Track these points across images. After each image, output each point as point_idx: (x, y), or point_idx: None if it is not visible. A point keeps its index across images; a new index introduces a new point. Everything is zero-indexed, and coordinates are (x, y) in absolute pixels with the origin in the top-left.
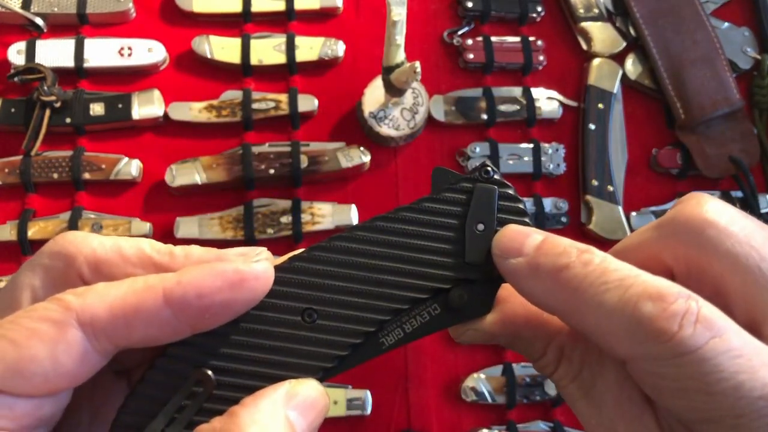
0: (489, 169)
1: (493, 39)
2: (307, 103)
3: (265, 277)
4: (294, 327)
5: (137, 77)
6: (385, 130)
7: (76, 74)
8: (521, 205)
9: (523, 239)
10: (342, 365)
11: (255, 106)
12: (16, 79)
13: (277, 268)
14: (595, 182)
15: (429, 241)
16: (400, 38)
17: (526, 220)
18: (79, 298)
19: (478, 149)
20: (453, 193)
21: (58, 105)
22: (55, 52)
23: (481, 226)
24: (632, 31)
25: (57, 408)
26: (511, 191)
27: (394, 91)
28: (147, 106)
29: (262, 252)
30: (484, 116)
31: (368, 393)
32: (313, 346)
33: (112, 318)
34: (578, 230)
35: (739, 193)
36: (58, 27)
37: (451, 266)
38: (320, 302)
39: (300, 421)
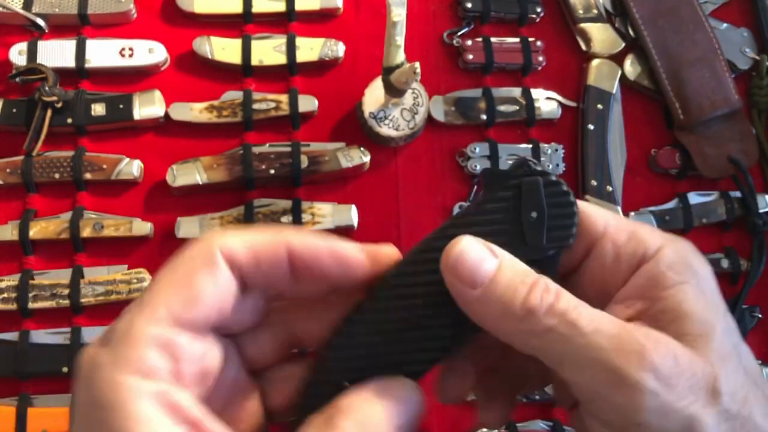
0: (530, 163)
1: (493, 40)
2: (308, 103)
3: (362, 266)
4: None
5: (138, 78)
6: (385, 130)
7: (77, 75)
8: (564, 187)
9: (474, 266)
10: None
11: (255, 106)
12: (17, 79)
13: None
14: (594, 182)
15: (499, 237)
16: (400, 39)
17: (571, 199)
18: (221, 239)
19: (477, 149)
20: (505, 191)
21: (59, 105)
22: (57, 53)
23: (534, 214)
24: (631, 32)
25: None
26: (552, 178)
27: (394, 91)
28: (148, 107)
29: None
30: (484, 116)
31: None
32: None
33: (246, 253)
34: None
35: (737, 194)
36: (60, 27)
37: (522, 251)
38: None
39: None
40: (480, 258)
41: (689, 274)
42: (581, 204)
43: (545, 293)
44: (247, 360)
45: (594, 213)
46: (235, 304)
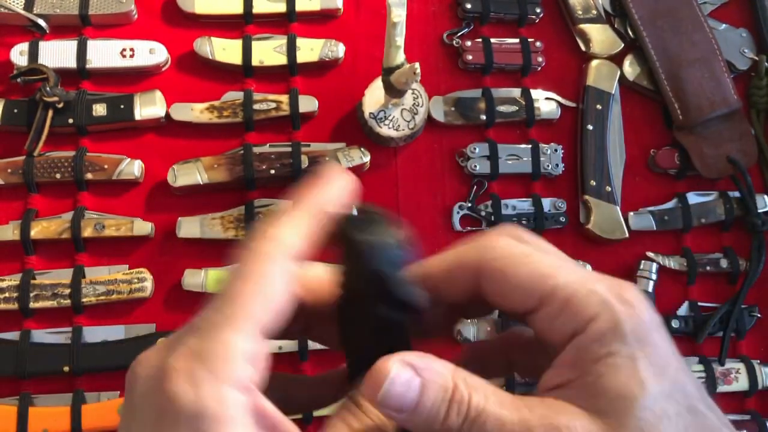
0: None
1: (493, 40)
2: (308, 103)
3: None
4: None
5: (139, 78)
6: (385, 130)
7: (78, 75)
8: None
9: (399, 396)
10: None
11: (256, 106)
12: (18, 80)
13: None
14: (593, 182)
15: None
16: (400, 39)
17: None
18: (276, 234)
19: (477, 150)
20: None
21: (60, 106)
22: (58, 53)
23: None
24: (630, 33)
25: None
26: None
27: (394, 92)
28: (149, 107)
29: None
30: (484, 117)
31: None
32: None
33: (299, 239)
34: (577, 230)
35: (736, 193)
36: (61, 28)
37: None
38: None
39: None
40: (405, 386)
41: (617, 344)
42: (514, 262)
43: (461, 406)
44: None
45: (528, 279)
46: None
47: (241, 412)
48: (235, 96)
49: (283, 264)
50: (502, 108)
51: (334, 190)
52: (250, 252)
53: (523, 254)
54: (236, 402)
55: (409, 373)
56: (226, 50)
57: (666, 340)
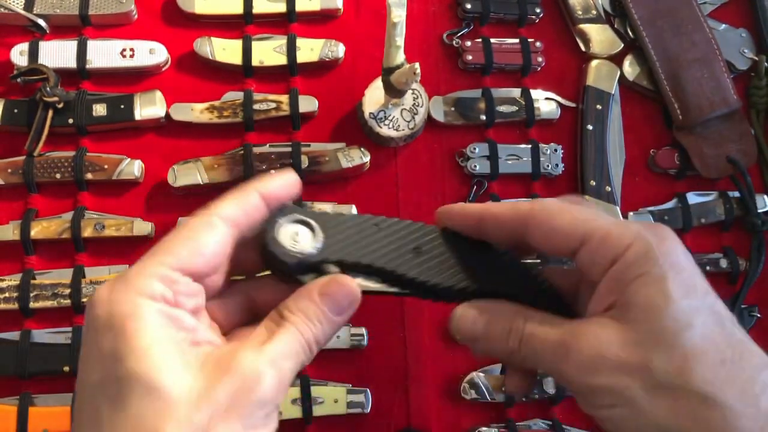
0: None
1: (492, 40)
2: (308, 104)
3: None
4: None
5: (139, 78)
6: (385, 130)
7: (78, 75)
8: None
9: (470, 331)
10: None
11: (256, 107)
12: (18, 80)
13: None
14: (593, 182)
15: None
16: (400, 40)
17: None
18: (215, 207)
19: (477, 150)
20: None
21: (60, 106)
22: (58, 54)
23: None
24: (630, 33)
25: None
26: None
27: (394, 92)
28: (149, 107)
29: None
30: (484, 117)
31: (368, 391)
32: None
33: (234, 210)
34: None
35: (736, 193)
36: (61, 28)
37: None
38: None
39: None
40: (471, 321)
41: (649, 265)
42: (560, 211)
43: (514, 335)
44: (216, 321)
45: (570, 223)
46: (223, 261)
47: (150, 311)
48: (235, 96)
49: (215, 224)
50: (502, 108)
51: (276, 182)
52: (189, 218)
53: (566, 207)
54: (144, 304)
55: (473, 313)
56: (226, 50)
57: (695, 267)
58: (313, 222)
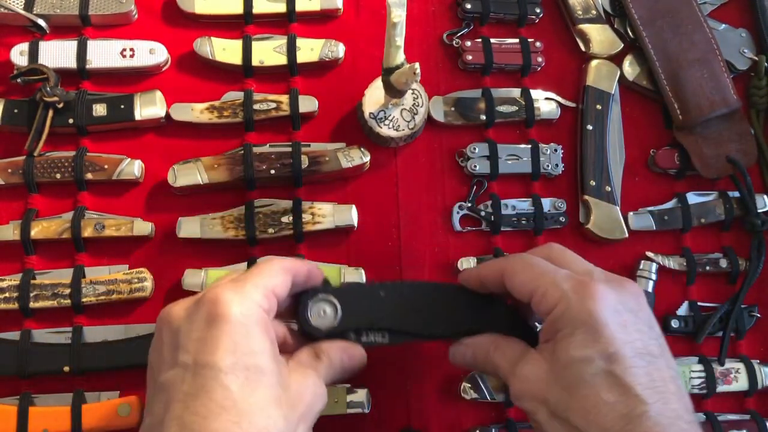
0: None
1: (492, 40)
2: (308, 103)
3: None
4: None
5: (139, 78)
6: (385, 130)
7: (78, 75)
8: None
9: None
10: None
11: (256, 107)
12: (19, 80)
13: None
14: (593, 182)
15: None
16: (400, 40)
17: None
18: (283, 261)
19: (477, 150)
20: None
21: (60, 106)
22: (58, 54)
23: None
24: (630, 33)
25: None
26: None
27: (393, 92)
28: (149, 107)
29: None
30: (483, 117)
31: (368, 391)
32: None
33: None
34: (577, 230)
35: (736, 193)
36: (61, 28)
37: None
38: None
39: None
40: (462, 357)
41: (562, 323)
42: (522, 268)
43: (488, 360)
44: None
45: (524, 280)
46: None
47: (254, 319)
48: (235, 96)
49: (286, 273)
50: (501, 108)
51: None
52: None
53: (528, 264)
54: (261, 312)
55: (461, 349)
56: (226, 50)
57: (615, 316)
58: (335, 300)
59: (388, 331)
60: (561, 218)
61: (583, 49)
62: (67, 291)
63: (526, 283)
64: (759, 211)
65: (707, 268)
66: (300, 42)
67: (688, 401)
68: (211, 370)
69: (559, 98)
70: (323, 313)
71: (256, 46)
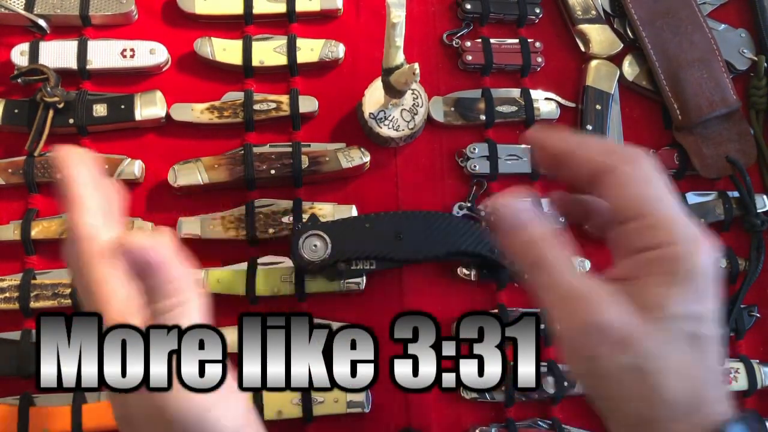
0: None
1: (492, 41)
2: (308, 104)
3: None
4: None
5: (140, 78)
6: (385, 131)
7: (78, 75)
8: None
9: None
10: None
11: (256, 107)
12: (19, 80)
13: None
14: None
15: None
16: (400, 40)
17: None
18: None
19: (477, 150)
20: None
21: (61, 106)
22: (58, 54)
23: None
24: (630, 33)
25: None
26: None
27: (393, 92)
28: (149, 107)
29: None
30: (483, 117)
31: (368, 391)
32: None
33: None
34: (577, 230)
35: (735, 194)
36: (61, 28)
37: None
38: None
39: None
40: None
41: (681, 276)
42: (636, 182)
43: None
44: None
45: (635, 197)
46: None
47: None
48: (235, 96)
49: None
50: (501, 108)
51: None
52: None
53: (642, 177)
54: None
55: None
56: (226, 50)
57: (709, 281)
58: (324, 234)
59: (375, 258)
60: (560, 218)
61: (582, 49)
62: (68, 291)
63: (632, 198)
64: (758, 211)
65: None
66: (300, 42)
67: None
68: None
69: (558, 98)
70: (314, 247)
71: (256, 46)
